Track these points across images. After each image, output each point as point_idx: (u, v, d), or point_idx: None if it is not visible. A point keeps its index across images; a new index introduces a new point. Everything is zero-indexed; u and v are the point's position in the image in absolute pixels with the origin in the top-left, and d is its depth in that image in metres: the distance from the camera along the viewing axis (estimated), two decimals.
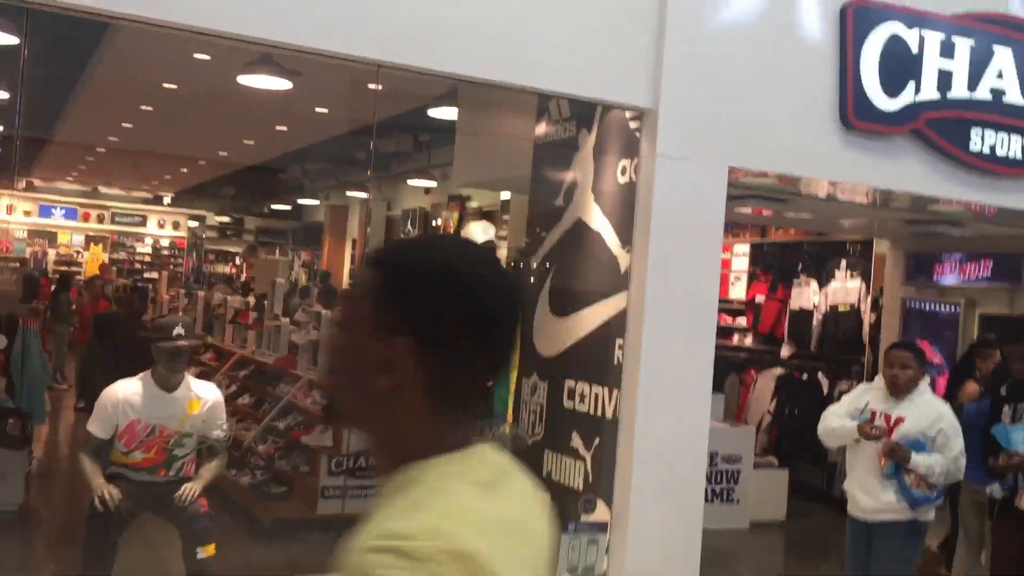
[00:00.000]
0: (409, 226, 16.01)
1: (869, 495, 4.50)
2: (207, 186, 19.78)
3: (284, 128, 11.92)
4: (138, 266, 22.33)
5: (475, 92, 6.40)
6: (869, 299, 8.54)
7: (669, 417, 4.46)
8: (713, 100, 4.55)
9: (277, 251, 20.55)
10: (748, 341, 10.05)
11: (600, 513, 4.54)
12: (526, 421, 5.36)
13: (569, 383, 4.99)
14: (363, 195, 16.37)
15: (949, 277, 7.43)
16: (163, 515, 4.28)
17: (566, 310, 5.09)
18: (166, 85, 9.62)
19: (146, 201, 22.99)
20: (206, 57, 7.71)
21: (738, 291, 10.18)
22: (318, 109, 10.36)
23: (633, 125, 4.61)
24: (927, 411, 4.46)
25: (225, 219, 23.29)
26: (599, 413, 4.71)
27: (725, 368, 9.92)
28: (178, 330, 4.01)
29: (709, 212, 4.60)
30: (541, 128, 5.50)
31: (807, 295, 9.05)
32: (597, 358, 4.76)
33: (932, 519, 4.53)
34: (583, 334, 4.91)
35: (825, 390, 8.56)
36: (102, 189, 22.05)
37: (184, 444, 4.08)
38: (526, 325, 5.44)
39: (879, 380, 4.69)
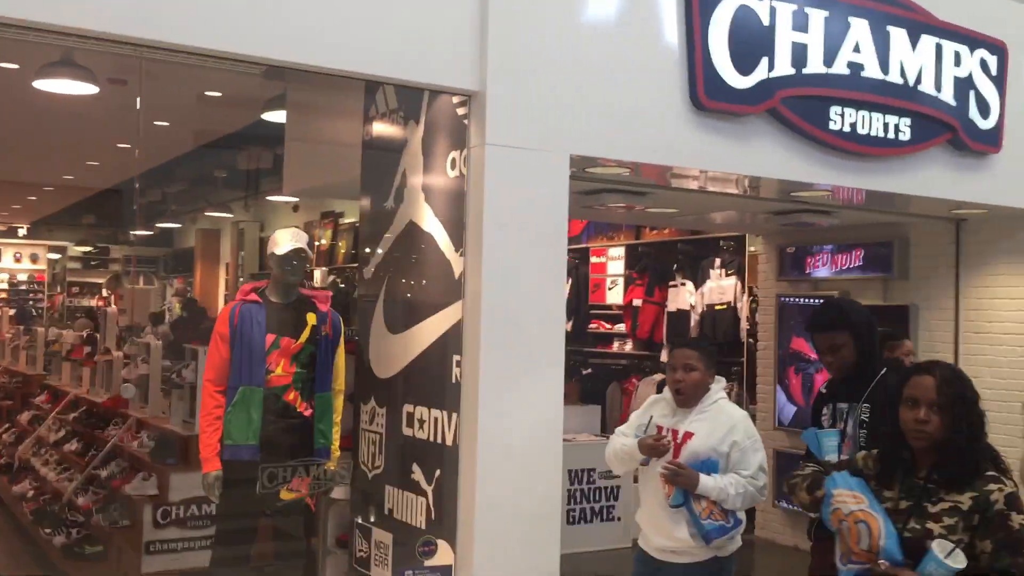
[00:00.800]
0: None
1: (659, 531, 3.64)
2: (63, 215, 18.51)
3: (127, 146, 11.04)
4: None
5: (302, 93, 5.80)
6: (745, 297, 8.24)
7: (516, 442, 3.91)
8: (549, 81, 4.06)
9: (142, 280, 19.37)
10: (628, 347, 9.65)
11: (443, 556, 3.96)
12: (365, 452, 4.75)
13: (407, 408, 4.41)
14: (227, 215, 15.46)
15: (822, 270, 7.15)
16: None
17: (401, 325, 4.51)
18: None
19: None
20: (12, 66, 6.89)
21: (615, 296, 9.78)
22: (157, 123, 9.56)
23: (460, 112, 4.08)
24: (719, 422, 3.61)
25: (87, 249, 21.90)
26: (439, 440, 4.14)
27: (605, 377, 9.52)
28: None
29: (550, 207, 4.09)
30: (369, 125, 4.92)
31: (683, 296, 8.69)
32: (434, 378, 4.20)
33: (737, 547, 3.69)
34: (419, 352, 4.34)
35: None
36: None
37: None
38: (362, 345, 4.84)
39: (668, 389, 3.78)
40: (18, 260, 22.01)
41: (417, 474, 4.28)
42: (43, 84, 5.98)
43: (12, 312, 15.69)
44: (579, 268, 10.05)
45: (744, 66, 4.48)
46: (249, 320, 3.93)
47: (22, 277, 21.96)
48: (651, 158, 4.41)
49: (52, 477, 6.85)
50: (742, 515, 3.64)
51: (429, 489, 4.19)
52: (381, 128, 4.81)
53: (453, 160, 4.14)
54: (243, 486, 3.83)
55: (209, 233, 17.75)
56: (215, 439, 3.87)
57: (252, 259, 16.59)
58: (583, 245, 10.21)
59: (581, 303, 10.03)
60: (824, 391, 3.82)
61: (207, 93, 7.87)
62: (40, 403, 8.72)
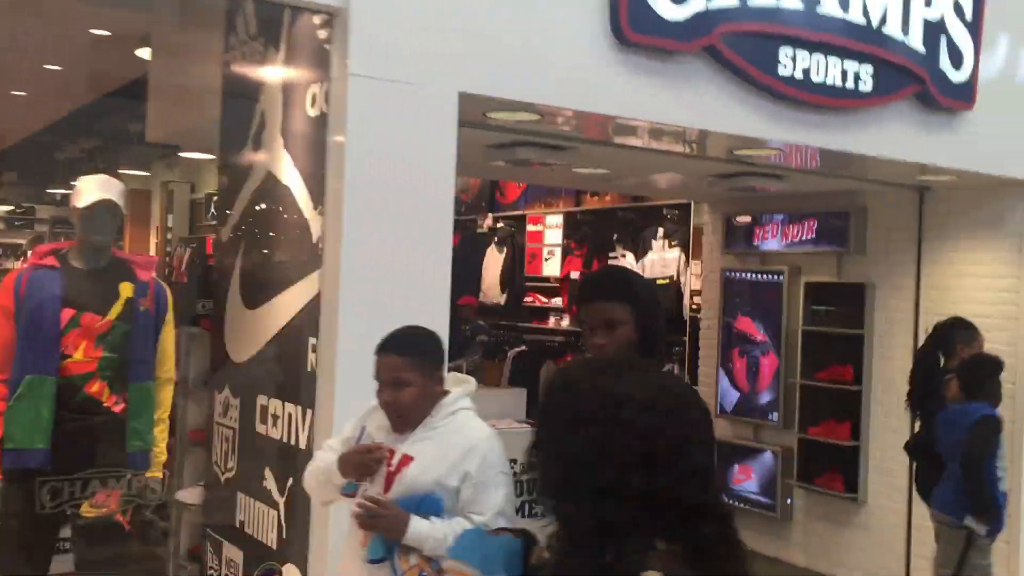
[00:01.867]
0: (213, 210, 14.30)
1: None
2: None
3: (22, 93, 10.04)
4: None
5: (164, 30, 4.95)
6: (689, 271, 7.53)
7: None
8: (433, 2, 3.27)
9: (63, 240, 18.25)
10: (565, 323, 8.93)
11: None
12: (219, 450, 3.98)
13: (262, 400, 3.63)
14: (148, 175, 14.46)
15: (771, 242, 6.47)
16: None
17: (257, 299, 3.72)
18: None
19: None
20: None
21: (552, 267, 9.04)
22: (48, 66, 8.58)
23: (323, 35, 3.27)
24: (452, 443, 2.46)
25: (10, 208, 20.67)
26: (293, 442, 3.38)
27: (540, 355, 8.78)
28: None
29: (433, 156, 3.32)
30: (228, 57, 4.10)
31: None
32: (289, 365, 3.43)
33: None
34: (275, 332, 3.57)
35: None
36: None
37: None
38: (218, 322, 4.05)
39: None
40: None
41: (269, 482, 3.52)
42: None
43: None
44: (515, 237, 9.29)
45: None
46: (39, 290, 3.11)
47: None
48: (561, 100, 3.64)
49: None
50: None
51: (281, 501, 3.43)
52: (240, 61, 3.99)
53: (314, 96, 3.34)
54: (30, 502, 3.04)
55: (139, 194, 16.67)
56: None
57: (182, 222, 15.64)
58: (520, 212, 9.44)
59: (516, 275, 9.27)
60: None
61: (92, 31, 7.01)
62: None
